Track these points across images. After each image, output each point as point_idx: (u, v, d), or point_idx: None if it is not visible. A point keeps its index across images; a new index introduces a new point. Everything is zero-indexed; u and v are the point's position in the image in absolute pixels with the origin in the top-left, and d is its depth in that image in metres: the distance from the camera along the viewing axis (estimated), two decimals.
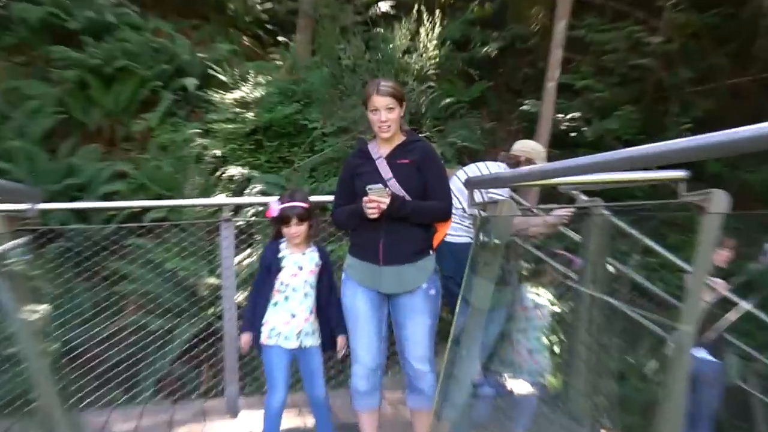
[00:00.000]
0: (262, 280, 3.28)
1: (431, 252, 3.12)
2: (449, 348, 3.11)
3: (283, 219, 3.19)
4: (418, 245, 3.06)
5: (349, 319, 3.13)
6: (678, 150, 1.69)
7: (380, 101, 2.99)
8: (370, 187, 2.91)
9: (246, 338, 3.24)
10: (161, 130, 7.98)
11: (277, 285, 3.24)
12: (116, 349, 5.53)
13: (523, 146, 4.28)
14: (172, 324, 5.87)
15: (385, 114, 2.99)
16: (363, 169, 3.10)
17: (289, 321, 3.20)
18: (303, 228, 3.22)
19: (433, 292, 3.07)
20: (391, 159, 3.07)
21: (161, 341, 5.52)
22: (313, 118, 8.02)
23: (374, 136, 3.18)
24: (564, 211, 3.99)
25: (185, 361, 5.84)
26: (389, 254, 3.03)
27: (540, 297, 5.91)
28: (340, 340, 3.27)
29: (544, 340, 3.54)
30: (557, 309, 5.78)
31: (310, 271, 3.25)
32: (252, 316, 3.27)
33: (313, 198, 3.48)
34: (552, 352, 5.48)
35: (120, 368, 5.19)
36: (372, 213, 2.94)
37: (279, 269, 3.24)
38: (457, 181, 4.05)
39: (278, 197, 3.29)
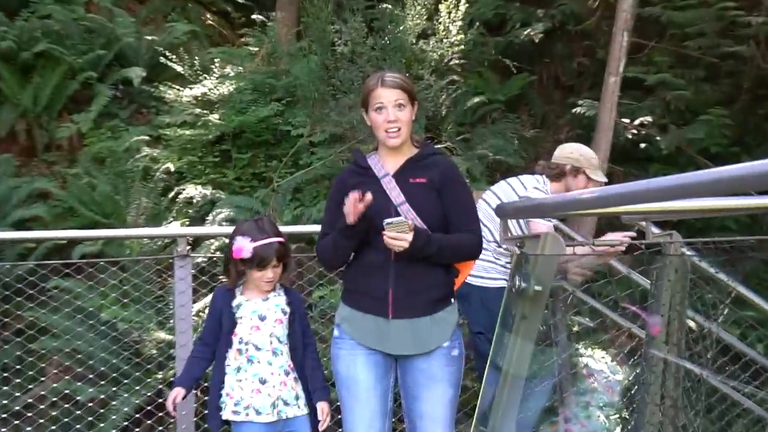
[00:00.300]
0: (211, 330, 3.36)
1: (452, 300, 3.17)
2: (474, 427, 3.17)
3: (257, 261, 3.25)
4: (438, 291, 3.11)
5: (344, 389, 3.17)
6: None
7: (387, 95, 3.05)
8: (388, 221, 2.93)
9: (176, 393, 3.32)
10: (96, 136, 8.09)
11: (235, 343, 3.31)
12: (31, 427, 5.57)
13: (568, 152, 4.37)
14: (107, 393, 5.90)
15: (393, 112, 3.05)
16: (363, 190, 3.17)
17: (260, 389, 3.26)
18: (279, 270, 3.31)
19: (456, 353, 3.12)
20: (401, 177, 3.13)
21: (92, 416, 5.56)
22: (298, 122, 8.12)
23: (376, 147, 3.26)
24: (616, 236, 4.07)
25: None
26: (401, 303, 3.07)
27: (598, 362, 5.98)
28: (321, 407, 3.33)
29: (603, 419, 3.59)
30: (620, 377, 5.85)
31: (277, 320, 3.32)
32: (188, 369, 3.38)
33: (297, 228, 3.56)
34: None
35: None
36: (395, 246, 2.96)
37: (234, 323, 3.32)
38: (485, 207, 4.15)
39: (239, 233, 3.32)
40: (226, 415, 3.29)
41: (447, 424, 3.10)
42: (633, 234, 4.20)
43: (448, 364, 3.10)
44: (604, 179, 4.55)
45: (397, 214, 3.05)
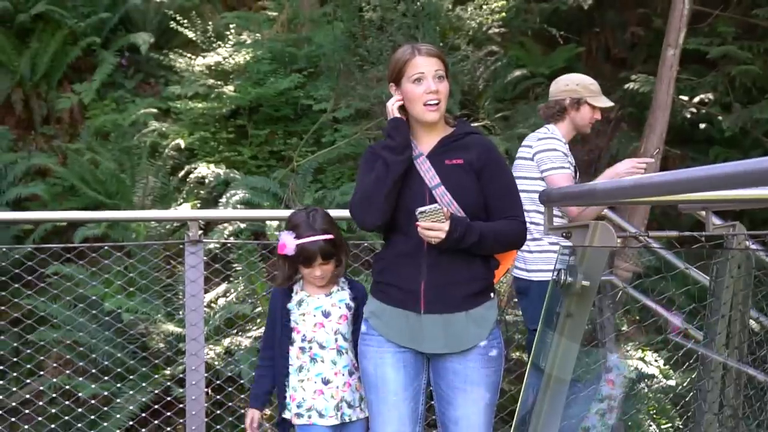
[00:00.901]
0: (271, 337, 3.42)
1: (492, 295, 3.19)
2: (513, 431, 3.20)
3: (302, 258, 3.30)
4: (476, 284, 3.12)
5: (371, 390, 3.19)
6: None
7: (426, 63, 3.05)
8: (421, 210, 2.92)
9: (251, 416, 3.39)
10: (99, 108, 8.19)
11: (297, 341, 3.35)
12: (29, 425, 5.67)
13: (563, 85, 4.37)
14: (111, 390, 5.99)
15: (434, 82, 3.05)
16: None
17: (322, 390, 3.31)
18: (329, 268, 3.32)
19: (494, 353, 3.12)
20: (435, 157, 3.13)
21: (95, 414, 5.64)
22: (321, 96, 8.17)
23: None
24: (627, 164, 4.09)
25: None
26: (434, 297, 3.07)
27: (649, 365, 5.99)
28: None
29: (610, 420, 3.61)
30: (672, 382, 5.85)
31: (342, 316, 3.35)
32: (258, 385, 3.43)
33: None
34: None
35: None
36: (434, 239, 2.98)
37: (294, 321, 3.36)
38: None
39: (289, 226, 3.36)
40: (289, 417, 3.36)
41: (483, 431, 3.14)
42: (649, 160, 4.22)
43: (485, 365, 3.11)
44: (609, 103, 4.52)
45: (432, 199, 3.07)
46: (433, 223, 2.92)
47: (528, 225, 3.25)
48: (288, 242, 3.27)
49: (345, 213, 3.56)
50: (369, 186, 3.10)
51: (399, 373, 3.15)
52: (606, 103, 4.41)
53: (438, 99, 3.07)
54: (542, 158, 4.18)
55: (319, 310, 3.34)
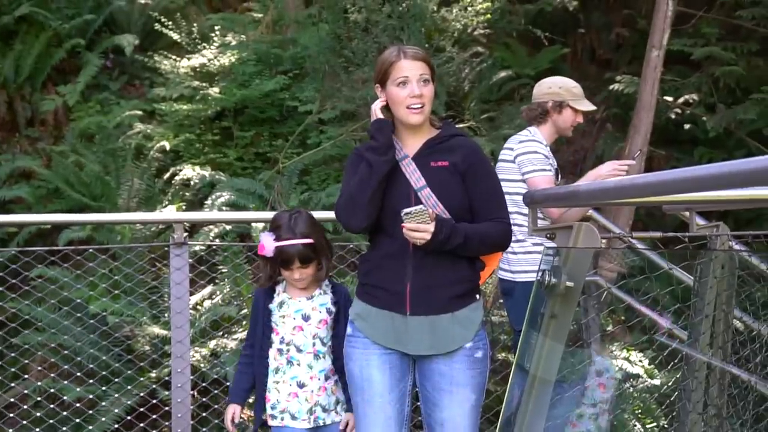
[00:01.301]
0: (252, 335, 3.45)
1: (477, 297, 3.20)
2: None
3: (280, 261, 3.33)
4: (462, 286, 3.12)
5: (357, 392, 3.19)
6: None
7: (411, 68, 3.05)
8: (406, 211, 2.92)
9: (231, 411, 3.42)
10: (84, 110, 8.16)
11: (276, 343, 3.38)
12: (15, 428, 5.65)
13: (546, 88, 4.39)
14: (96, 393, 5.97)
15: (418, 86, 3.05)
16: None
17: (297, 393, 3.34)
18: (308, 271, 3.35)
19: (479, 354, 3.13)
20: (420, 159, 3.14)
21: (80, 418, 5.63)
22: (306, 97, 8.17)
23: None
24: (608, 166, 4.12)
25: None
26: (420, 299, 3.08)
27: (634, 365, 6.01)
28: (347, 419, 3.39)
29: (603, 423, 3.62)
30: (656, 381, 5.87)
31: (321, 321, 3.37)
32: (238, 381, 3.47)
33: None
34: None
35: None
36: (419, 240, 3.00)
37: (275, 322, 3.39)
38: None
39: (271, 227, 3.41)
40: (265, 416, 3.39)
41: None
42: (631, 162, 4.25)
43: (471, 367, 3.12)
44: (592, 107, 4.55)
45: (417, 200, 3.08)
46: (419, 225, 2.93)
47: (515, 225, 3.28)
48: (267, 243, 3.32)
49: (330, 215, 3.57)
50: (353, 188, 3.10)
51: (385, 374, 3.16)
52: (588, 106, 4.43)
53: (422, 103, 3.08)
54: (523, 161, 4.20)
55: (299, 314, 3.37)
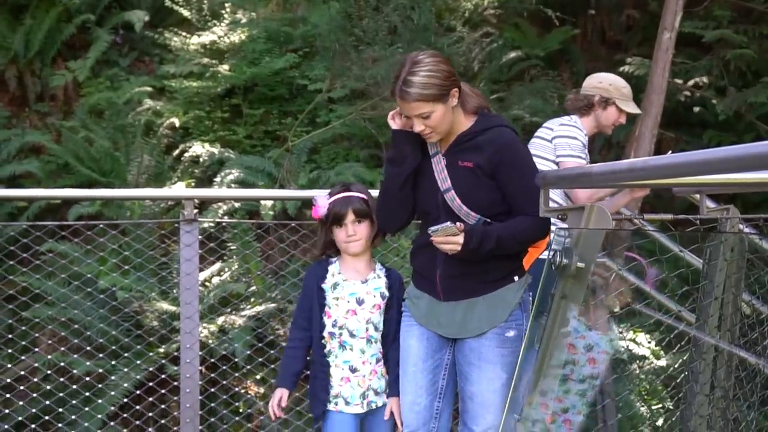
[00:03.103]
0: (303, 316, 3.40)
1: (516, 278, 3.21)
2: (506, 414, 3.22)
3: (333, 218, 3.30)
4: (495, 272, 3.16)
5: (400, 363, 3.30)
6: None
7: (406, 108, 3.00)
8: (432, 229, 2.97)
9: (279, 395, 3.38)
10: (93, 85, 8.16)
11: (328, 326, 3.34)
12: (25, 400, 5.69)
13: (596, 82, 4.42)
14: (105, 367, 6.01)
15: (419, 124, 3.00)
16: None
17: (349, 378, 3.33)
18: (362, 228, 3.31)
19: (511, 333, 3.16)
20: (451, 156, 3.13)
21: (89, 391, 5.67)
22: (316, 76, 8.16)
23: None
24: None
25: (123, 420, 5.96)
26: (450, 286, 3.16)
27: (641, 346, 6.02)
28: (390, 405, 3.37)
29: (588, 397, 3.63)
30: (662, 363, 5.88)
31: (375, 306, 3.35)
32: (287, 365, 3.42)
33: (317, 192, 3.59)
34: (653, 425, 5.57)
35: (31, 427, 5.35)
36: (450, 252, 3.03)
37: (327, 304, 3.35)
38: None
39: (327, 192, 3.41)
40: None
41: (497, 411, 3.14)
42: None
43: (500, 345, 3.15)
44: (637, 110, 4.58)
45: (443, 202, 3.10)
46: (447, 237, 2.97)
47: None
48: (321, 202, 3.31)
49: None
50: (380, 196, 3.23)
51: (421, 345, 3.25)
52: (634, 109, 4.46)
53: (428, 133, 3.05)
54: (561, 143, 4.22)
55: (353, 297, 3.35)
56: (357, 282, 3.36)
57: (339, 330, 3.34)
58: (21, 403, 5.66)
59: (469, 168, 3.09)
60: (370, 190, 3.50)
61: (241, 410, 6.08)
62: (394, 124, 3.10)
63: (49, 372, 5.87)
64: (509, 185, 3.09)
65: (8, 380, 5.71)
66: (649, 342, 6.11)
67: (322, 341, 3.37)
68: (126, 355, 5.94)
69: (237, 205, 7.11)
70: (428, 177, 3.14)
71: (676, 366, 5.57)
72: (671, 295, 4.90)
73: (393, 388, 3.36)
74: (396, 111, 3.10)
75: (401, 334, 3.30)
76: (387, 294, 3.38)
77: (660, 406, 5.79)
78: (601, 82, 4.41)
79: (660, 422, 5.64)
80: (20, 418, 5.57)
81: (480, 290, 3.15)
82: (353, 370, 3.34)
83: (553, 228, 3.36)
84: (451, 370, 3.28)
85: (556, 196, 4.15)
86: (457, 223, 2.99)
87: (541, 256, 4.13)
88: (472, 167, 3.08)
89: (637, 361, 5.92)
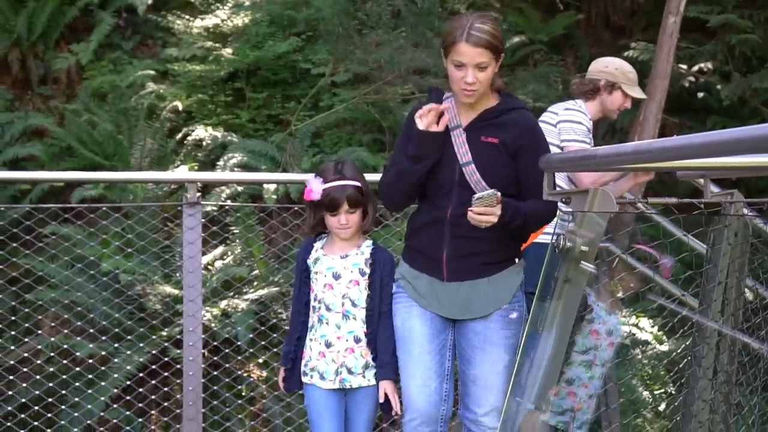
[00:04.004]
0: (297, 292, 3.43)
1: (516, 260, 3.22)
2: (509, 397, 3.22)
3: (327, 204, 3.26)
4: (499, 253, 3.16)
5: (399, 345, 3.25)
6: None
7: (470, 53, 2.98)
8: (477, 196, 2.93)
9: (280, 374, 3.45)
10: (96, 69, 8.16)
11: (311, 299, 3.36)
12: (29, 382, 5.71)
13: (602, 66, 4.40)
14: (108, 350, 6.03)
15: (473, 73, 2.99)
16: None
17: (324, 353, 3.32)
18: (355, 217, 3.28)
19: (514, 315, 3.17)
20: (472, 132, 3.12)
21: (92, 374, 5.69)
22: (319, 60, 8.16)
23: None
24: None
25: (126, 403, 5.98)
26: (456, 265, 3.14)
27: (643, 331, 6.03)
28: (383, 387, 3.31)
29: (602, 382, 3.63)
30: (665, 347, 5.88)
31: (352, 281, 3.32)
32: (287, 343, 3.46)
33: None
34: (654, 409, 5.57)
35: (34, 409, 5.37)
36: (486, 224, 3.00)
37: (311, 279, 3.36)
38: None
39: (317, 173, 3.35)
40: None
41: (500, 393, 3.15)
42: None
43: (504, 327, 3.15)
44: (643, 95, 4.57)
45: (462, 175, 3.08)
46: (486, 208, 2.94)
47: None
48: (314, 186, 3.25)
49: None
50: (391, 179, 3.20)
51: (425, 326, 3.21)
52: (639, 94, 4.44)
53: (475, 89, 3.04)
54: (565, 127, 4.20)
55: (330, 271, 3.33)
56: (336, 257, 3.34)
57: (318, 304, 3.33)
58: (24, 385, 5.67)
59: (493, 144, 3.10)
60: (373, 175, 3.50)
61: (243, 393, 6.10)
62: (421, 124, 3.06)
63: (52, 354, 5.88)
64: (529, 166, 3.09)
65: (11, 362, 5.72)
66: (652, 327, 6.11)
67: (307, 317, 3.39)
68: (129, 338, 5.94)
69: (240, 188, 7.11)
70: (446, 150, 3.11)
71: (678, 351, 5.56)
72: (674, 280, 4.89)
73: (385, 371, 3.30)
74: (424, 110, 3.04)
75: (400, 316, 3.24)
76: (367, 271, 3.33)
77: (662, 390, 5.80)
78: (607, 66, 4.39)
79: (662, 407, 5.66)
80: (23, 400, 5.59)
81: (485, 271, 3.14)
82: (328, 345, 3.31)
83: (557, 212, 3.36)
84: (452, 350, 3.26)
85: (560, 180, 4.13)
86: (498, 193, 2.95)
87: (541, 241, 4.14)
88: (497, 144, 3.10)
89: (640, 346, 5.93)
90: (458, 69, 3.02)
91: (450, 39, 3.04)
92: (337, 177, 3.27)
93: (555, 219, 3.22)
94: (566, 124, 4.21)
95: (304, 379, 3.37)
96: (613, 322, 3.53)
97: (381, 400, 3.33)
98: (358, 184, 3.28)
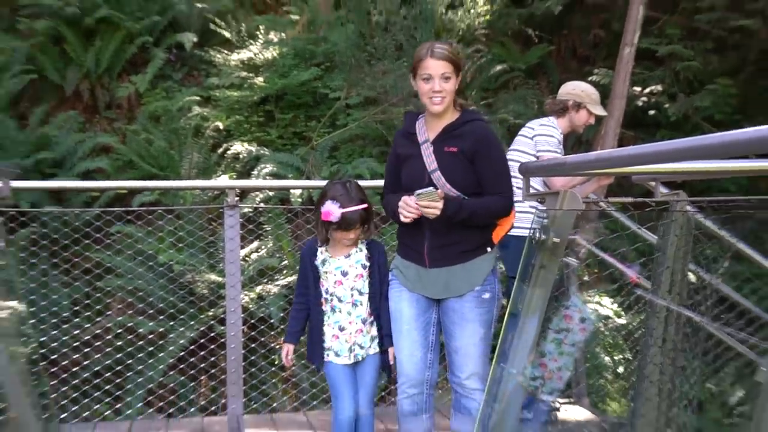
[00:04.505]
0: (302, 286, 3.46)
1: (488, 250, 3.24)
2: (494, 364, 3.25)
3: (343, 225, 3.25)
4: (472, 243, 3.19)
5: (393, 323, 3.31)
6: None
7: (435, 66, 3.04)
8: (419, 192, 2.99)
9: (287, 350, 3.46)
10: (152, 96, 8.18)
11: (322, 293, 3.40)
12: (99, 355, 5.76)
13: (570, 89, 4.40)
14: (165, 327, 6.06)
15: (439, 83, 3.05)
16: (406, 152, 3.23)
17: (338, 335, 3.37)
18: (358, 232, 3.32)
19: (487, 295, 3.19)
20: (438, 144, 3.15)
21: (152, 347, 5.73)
22: (336, 86, 8.16)
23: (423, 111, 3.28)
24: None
25: (180, 370, 6.03)
26: (435, 255, 3.18)
27: (600, 308, 6.03)
28: (392, 351, 3.38)
29: (576, 357, 3.65)
30: (623, 321, 5.88)
31: (357, 275, 3.37)
32: (292, 324, 3.48)
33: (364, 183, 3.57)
34: (615, 372, 5.58)
35: (104, 377, 5.42)
36: (406, 218, 3.07)
37: (319, 276, 3.40)
38: (513, 164, 4.20)
39: (330, 196, 3.28)
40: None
41: (478, 360, 3.18)
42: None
43: (478, 305, 3.18)
44: (604, 112, 4.56)
45: (430, 181, 3.12)
46: (429, 202, 2.98)
47: (514, 189, 3.31)
48: (334, 211, 3.23)
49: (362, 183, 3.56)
50: (389, 211, 3.30)
51: (411, 308, 3.26)
52: (601, 112, 4.44)
53: (442, 96, 3.07)
54: (540, 140, 4.21)
55: (338, 270, 3.37)
56: (341, 257, 3.37)
57: (330, 296, 3.37)
58: (97, 356, 5.73)
59: (453, 153, 3.12)
60: (379, 181, 3.54)
61: (276, 362, 6.12)
62: (403, 218, 3.15)
63: (119, 331, 5.92)
64: (484, 168, 3.13)
65: (87, 338, 5.77)
66: (612, 304, 6.12)
67: (318, 306, 3.41)
68: (181, 317, 6.00)
69: (271, 193, 7.13)
70: (418, 160, 3.16)
71: (634, 324, 5.59)
72: (631, 264, 4.91)
73: (389, 339, 3.36)
74: (410, 215, 3.11)
75: (392, 299, 3.29)
76: (367, 264, 3.38)
77: (621, 356, 5.81)
78: (574, 89, 4.39)
79: (621, 369, 5.67)
80: (96, 369, 5.65)
81: (460, 258, 3.17)
82: (341, 329, 3.37)
83: (534, 210, 3.38)
84: (437, 326, 3.30)
85: (536, 183, 4.15)
86: (439, 191, 3.02)
87: (513, 233, 4.15)
88: (456, 152, 3.12)
89: (603, 320, 5.93)
90: (426, 82, 3.07)
91: (417, 58, 3.10)
92: (351, 203, 3.24)
93: (533, 217, 3.24)
94: (541, 137, 4.21)
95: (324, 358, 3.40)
96: (587, 313, 3.55)
97: (391, 362, 3.39)
98: (366, 206, 3.30)
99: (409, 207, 3.07)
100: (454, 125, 3.17)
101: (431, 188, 3.01)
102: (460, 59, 3.14)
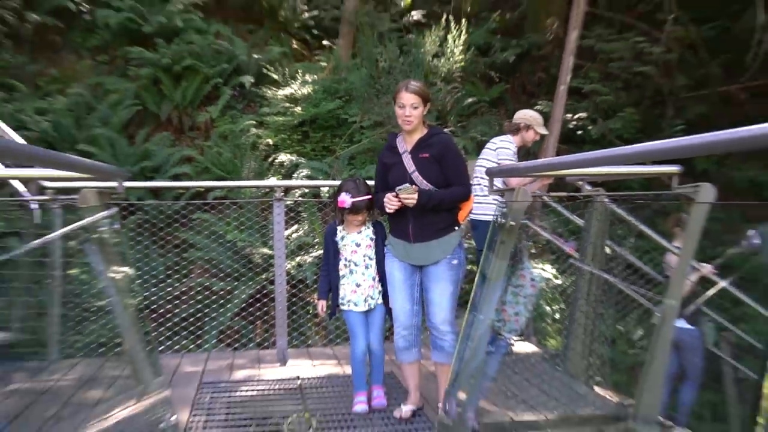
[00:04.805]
0: (327, 259, 3.44)
1: (456, 228, 3.22)
2: (468, 313, 3.23)
3: (353, 211, 3.30)
4: (443, 224, 3.17)
5: (389, 283, 3.29)
6: (671, 148, 1.74)
7: (407, 98, 3.04)
8: (399, 188, 3.00)
9: (321, 304, 3.46)
10: (221, 121, 8.17)
11: (342, 261, 3.40)
12: (185, 305, 5.77)
13: (522, 115, 4.36)
14: (231, 286, 6.07)
15: (409, 110, 3.04)
16: (392, 160, 3.20)
17: (356, 290, 3.37)
18: (365, 214, 3.35)
19: (455, 262, 3.17)
20: (414, 153, 3.14)
21: (222, 300, 5.74)
22: (353, 113, 8.12)
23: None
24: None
25: (242, 317, 6.04)
26: (417, 234, 3.16)
27: (543, 272, 6.00)
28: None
29: (529, 307, 3.63)
30: (560, 281, 5.86)
31: (367, 245, 3.38)
32: (321, 285, 3.47)
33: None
34: (553, 318, 5.56)
35: (188, 321, 5.42)
36: (389, 209, 3.05)
37: (340, 249, 3.40)
38: (480, 168, 4.16)
39: (344, 189, 3.32)
40: (341, 304, 3.42)
41: (448, 310, 3.16)
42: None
43: (449, 269, 3.16)
44: (546, 132, 4.51)
45: (412, 181, 3.10)
46: (407, 195, 2.97)
47: (482, 186, 3.28)
48: (346, 200, 3.26)
49: (370, 182, 3.54)
50: (380, 205, 3.20)
51: (402, 272, 3.25)
52: (544, 131, 4.41)
53: (411, 120, 3.05)
54: (501, 152, 4.17)
55: (353, 243, 3.37)
56: (354, 234, 3.37)
57: (348, 262, 3.37)
58: (184, 306, 5.73)
59: (426, 158, 3.10)
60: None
61: (310, 311, 6.13)
62: (388, 209, 3.11)
63: (199, 289, 5.93)
64: (448, 168, 3.11)
65: (176, 293, 5.78)
66: (552, 269, 6.10)
67: (338, 270, 3.40)
68: (243, 279, 6.00)
69: (306, 190, 7.12)
70: (401, 166, 3.14)
71: (567, 283, 5.56)
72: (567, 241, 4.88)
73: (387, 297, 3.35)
74: (393, 206, 3.08)
75: (388, 266, 3.27)
76: (373, 237, 3.39)
77: (557, 307, 5.80)
78: (525, 114, 4.34)
79: (557, 316, 5.66)
80: (183, 315, 5.66)
81: (436, 235, 3.14)
82: (358, 285, 3.36)
83: (496, 202, 3.35)
84: (420, 286, 3.27)
85: (498, 182, 4.12)
86: (413, 186, 3.02)
87: (481, 219, 4.08)
88: (429, 157, 3.10)
89: (545, 281, 5.92)
90: (401, 108, 3.06)
91: (396, 90, 3.09)
92: (359, 194, 3.27)
93: (495, 207, 3.20)
94: (502, 150, 4.17)
95: (342, 307, 3.38)
96: (535, 275, 3.53)
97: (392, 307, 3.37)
98: (369, 197, 3.30)
99: (392, 201, 3.06)
100: (424, 138, 3.15)
101: (407, 184, 3.00)
102: (427, 93, 3.11)
